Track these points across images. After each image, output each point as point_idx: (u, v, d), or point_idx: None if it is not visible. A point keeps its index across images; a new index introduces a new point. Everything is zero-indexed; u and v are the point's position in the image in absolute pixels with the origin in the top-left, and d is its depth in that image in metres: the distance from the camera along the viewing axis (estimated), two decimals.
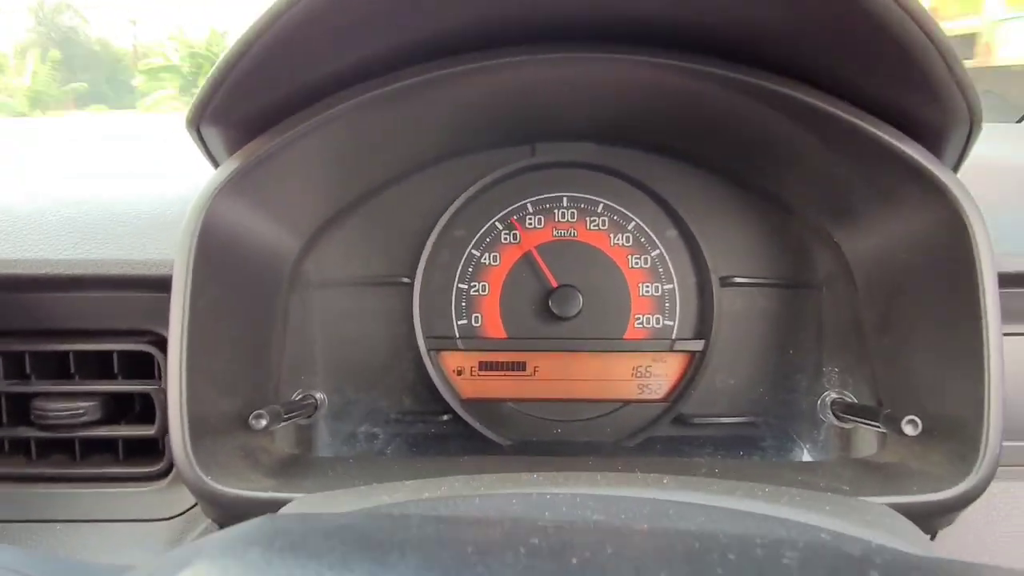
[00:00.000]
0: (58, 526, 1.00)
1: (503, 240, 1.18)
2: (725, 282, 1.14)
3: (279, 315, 1.05)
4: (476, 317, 1.18)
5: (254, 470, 0.89)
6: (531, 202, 1.19)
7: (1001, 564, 0.39)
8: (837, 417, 1.05)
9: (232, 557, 0.39)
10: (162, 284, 0.89)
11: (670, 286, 1.18)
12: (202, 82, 0.79)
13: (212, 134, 0.86)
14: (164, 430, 1.00)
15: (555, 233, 1.18)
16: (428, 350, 1.15)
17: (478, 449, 1.12)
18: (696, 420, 1.15)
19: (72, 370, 1.03)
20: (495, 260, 1.19)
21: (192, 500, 1.00)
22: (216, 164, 0.90)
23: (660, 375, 1.18)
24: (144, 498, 1.02)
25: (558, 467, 0.78)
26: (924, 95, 0.78)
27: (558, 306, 1.15)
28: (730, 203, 1.15)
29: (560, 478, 0.68)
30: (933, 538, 0.88)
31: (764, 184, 1.12)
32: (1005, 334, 0.82)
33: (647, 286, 1.18)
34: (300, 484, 0.85)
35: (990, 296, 0.81)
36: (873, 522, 0.62)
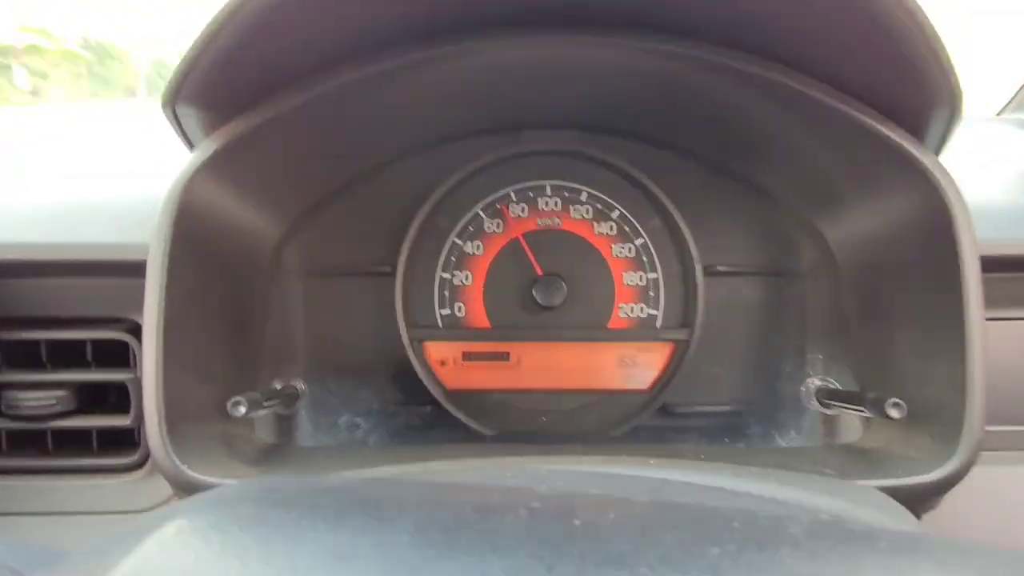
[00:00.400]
0: (31, 519, 0.97)
1: (486, 229, 1.17)
2: (709, 271, 1.14)
3: (258, 303, 1.03)
4: (459, 307, 1.17)
5: (233, 459, 0.88)
6: (514, 190, 1.18)
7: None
8: (821, 403, 1.05)
9: (222, 510, 0.38)
10: (137, 269, 0.87)
11: (654, 275, 1.17)
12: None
13: (188, 115, 0.84)
14: (139, 420, 0.98)
15: (539, 222, 1.17)
16: (411, 340, 1.14)
17: (462, 439, 1.11)
18: (681, 409, 1.14)
19: (44, 359, 1.00)
20: (478, 249, 1.17)
21: (168, 491, 0.98)
22: (192, 146, 0.88)
23: (645, 364, 1.17)
24: (119, 489, 0.99)
25: (544, 454, 0.77)
26: (906, 77, 0.79)
27: (542, 295, 1.14)
28: (714, 192, 1.15)
29: (548, 461, 0.67)
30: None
31: (748, 173, 1.12)
32: (986, 319, 0.83)
33: (631, 275, 1.17)
34: (281, 472, 0.83)
35: (972, 280, 0.81)
36: (863, 502, 0.62)
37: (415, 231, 1.13)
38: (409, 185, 1.14)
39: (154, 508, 0.98)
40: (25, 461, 1.00)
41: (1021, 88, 1.59)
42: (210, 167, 0.85)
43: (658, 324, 1.17)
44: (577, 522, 0.34)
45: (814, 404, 1.07)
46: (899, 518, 0.64)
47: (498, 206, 1.17)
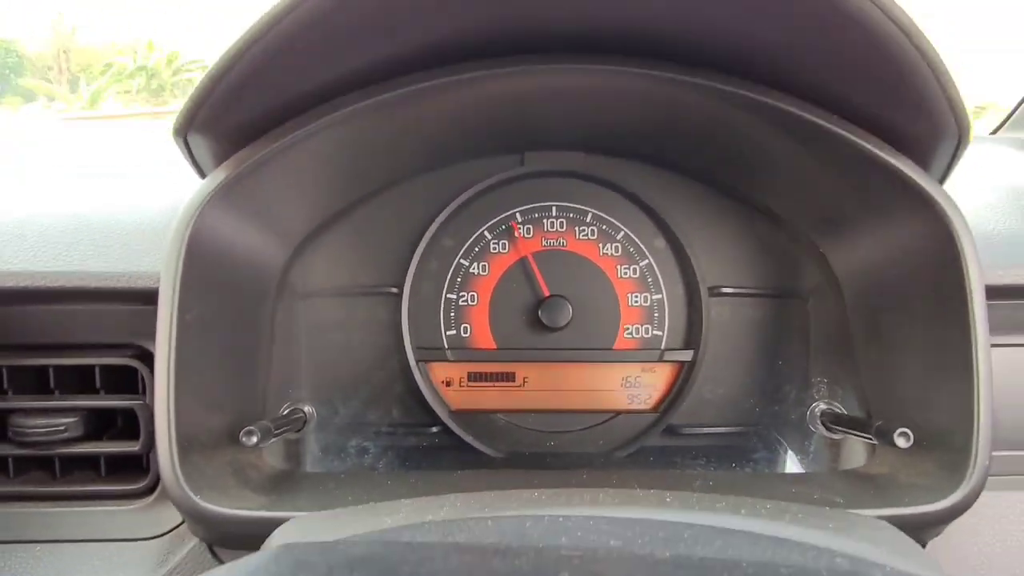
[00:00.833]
0: (38, 547, 0.97)
1: (492, 250, 1.18)
2: (714, 292, 1.15)
3: (267, 327, 1.03)
4: (465, 327, 1.18)
5: (244, 487, 0.87)
6: (520, 211, 1.18)
7: (988, 572, 0.39)
8: (827, 428, 1.06)
9: None
10: (146, 297, 0.87)
11: (659, 296, 1.18)
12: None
13: (199, 143, 0.84)
14: (149, 446, 0.98)
15: (544, 243, 1.18)
16: (416, 361, 1.14)
17: (470, 461, 1.11)
18: (686, 430, 1.15)
19: (52, 385, 1.00)
20: (484, 270, 1.18)
21: (178, 518, 0.98)
22: (203, 174, 0.88)
23: (649, 385, 1.18)
24: (128, 517, 0.99)
25: (553, 480, 0.78)
26: (914, 110, 0.79)
27: (548, 316, 1.14)
28: (718, 214, 1.16)
29: (562, 496, 0.67)
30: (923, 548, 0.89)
31: (752, 195, 1.13)
32: (991, 345, 0.83)
33: (636, 296, 1.18)
34: (293, 502, 0.83)
35: (978, 307, 0.82)
36: (876, 539, 0.62)
37: (421, 252, 1.14)
38: (415, 206, 1.14)
39: (162, 536, 0.98)
40: (32, 487, 1.00)
41: (1017, 108, 1.60)
42: (220, 195, 0.85)
43: (663, 345, 1.17)
44: None
45: (819, 428, 1.07)
46: (908, 551, 0.65)
47: (504, 227, 1.18)
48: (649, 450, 1.15)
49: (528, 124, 1.08)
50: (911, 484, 0.86)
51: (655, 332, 1.18)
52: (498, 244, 1.18)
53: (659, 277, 1.18)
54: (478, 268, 1.18)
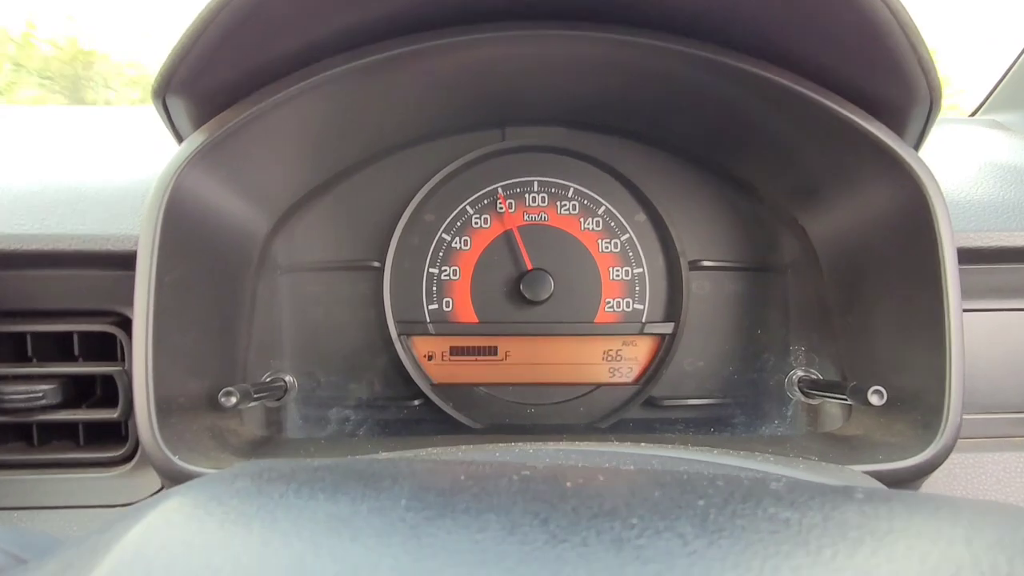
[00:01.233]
0: (17, 513, 0.96)
1: (474, 224, 1.18)
2: (694, 266, 1.16)
3: (247, 296, 1.03)
4: (447, 302, 1.18)
5: (223, 451, 0.88)
6: (502, 186, 1.19)
7: None
8: (804, 393, 1.07)
9: (220, 486, 0.38)
10: (126, 261, 0.87)
11: (640, 270, 1.19)
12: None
13: (178, 106, 0.84)
14: (128, 413, 0.98)
15: (526, 217, 1.19)
16: (399, 335, 1.15)
17: (450, 433, 1.12)
18: (667, 402, 1.16)
19: (30, 352, 0.99)
20: (466, 244, 1.18)
21: (157, 485, 0.98)
22: (181, 139, 0.88)
23: (630, 358, 1.19)
24: (107, 483, 0.99)
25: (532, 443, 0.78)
26: (888, 74, 0.81)
27: (529, 290, 1.15)
28: (698, 188, 1.17)
29: (536, 447, 0.68)
30: None
31: (732, 168, 1.14)
32: (966, 310, 0.85)
33: (617, 270, 1.19)
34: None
35: (950, 269, 0.84)
36: (847, 480, 0.63)
37: (403, 226, 1.14)
38: (397, 181, 1.15)
39: (142, 501, 0.98)
40: (11, 455, 0.99)
41: (994, 90, 1.63)
42: (199, 159, 0.85)
43: (644, 318, 1.18)
44: (568, 484, 0.35)
45: (797, 394, 1.09)
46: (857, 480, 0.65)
47: (486, 202, 1.18)
48: (629, 421, 1.15)
49: (509, 98, 1.09)
50: (884, 443, 0.87)
51: (636, 305, 1.19)
52: (480, 219, 1.18)
53: (640, 251, 1.19)
54: (460, 243, 1.18)
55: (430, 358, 1.18)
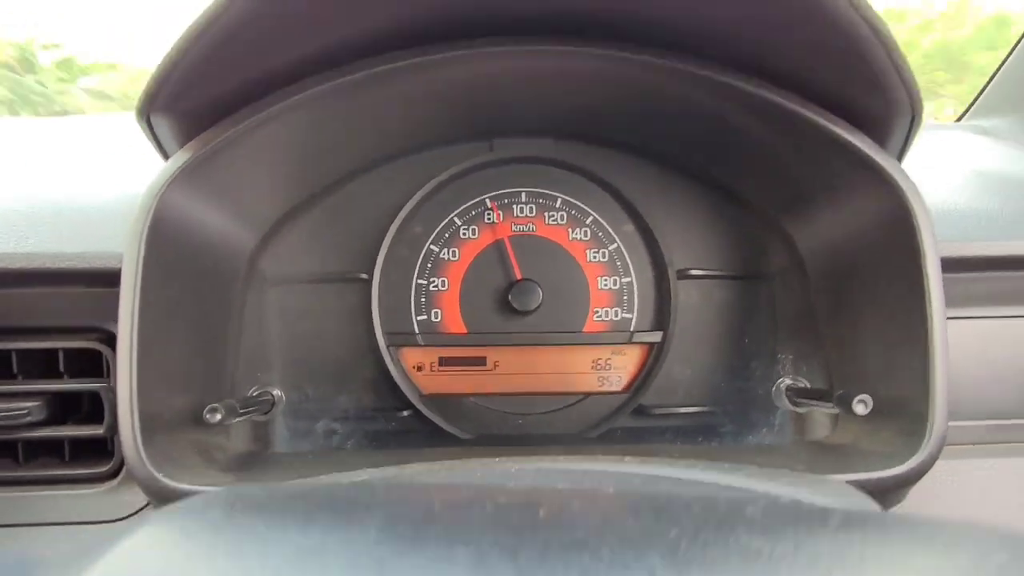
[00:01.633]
0: (2, 531, 0.96)
1: (462, 235, 1.18)
2: (682, 275, 1.16)
3: (234, 311, 1.03)
4: (436, 313, 1.18)
5: (209, 467, 0.87)
6: (490, 197, 1.19)
7: None
8: (792, 402, 1.07)
9: (191, 516, 0.38)
10: (111, 278, 0.86)
11: (628, 279, 1.19)
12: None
13: (163, 124, 0.84)
14: (113, 429, 0.97)
15: (514, 228, 1.19)
16: (387, 346, 1.14)
17: (439, 444, 1.12)
18: (656, 411, 1.16)
19: (15, 369, 0.99)
20: (454, 255, 1.18)
21: (143, 501, 0.97)
22: (166, 156, 0.88)
23: (619, 367, 1.19)
24: (92, 500, 0.98)
25: (520, 455, 0.78)
26: (869, 86, 0.81)
27: (518, 300, 1.15)
28: (686, 197, 1.17)
29: (523, 461, 0.68)
30: None
31: (719, 178, 1.14)
32: (949, 318, 0.85)
33: (606, 279, 1.19)
34: (259, 479, 0.83)
35: (934, 279, 0.84)
36: (830, 494, 0.63)
37: (391, 238, 1.14)
38: (384, 193, 1.15)
39: (127, 518, 0.97)
40: None
41: (980, 96, 1.64)
42: (184, 176, 0.85)
43: (632, 327, 1.18)
44: (541, 512, 0.35)
45: (784, 403, 1.09)
46: (863, 506, 0.66)
47: (474, 213, 1.18)
48: (619, 430, 1.16)
49: (497, 110, 1.09)
50: (871, 451, 0.87)
51: (624, 315, 1.19)
52: (468, 230, 1.19)
53: (628, 261, 1.19)
54: (448, 254, 1.18)
55: (419, 369, 1.18)
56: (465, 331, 1.18)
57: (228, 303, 1.01)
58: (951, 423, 0.84)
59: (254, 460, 0.94)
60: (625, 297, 1.19)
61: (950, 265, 0.91)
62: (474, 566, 0.29)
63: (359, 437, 1.12)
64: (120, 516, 0.98)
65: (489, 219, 1.18)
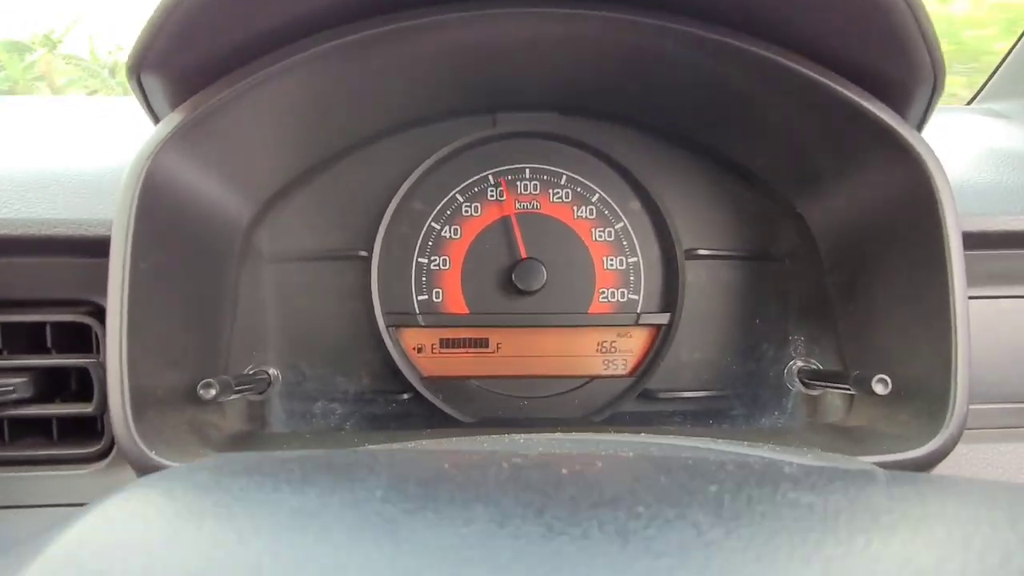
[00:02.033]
0: None
1: (464, 213, 1.15)
2: (690, 255, 1.13)
3: (229, 286, 0.99)
4: (437, 292, 1.15)
5: (203, 446, 0.84)
6: (493, 174, 1.15)
7: None
8: (804, 384, 1.04)
9: (175, 479, 0.35)
10: (100, 247, 0.83)
11: (634, 259, 1.16)
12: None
13: (154, 85, 0.80)
14: (103, 407, 0.94)
15: (517, 205, 1.15)
16: (387, 327, 1.11)
17: (440, 427, 1.08)
18: (663, 395, 1.13)
19: (0, 344, 0.95)
20: (456, 233, 1.15)
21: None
22: (157, 119, 0.85)
23: (625, 350, 1.15)
24: (81, 481, 0.95)
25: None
26: (890, 51, 0.78)
27: (522, 280, 1.12)
28: (694, 175, 1.14)
29: (527, 437, 0.65)
30: None
31: (728, 154, 1.11)
32: (971, 297, 0.82)
33: (611, 259, 1.16)
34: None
35: (956, 253, 0.81)
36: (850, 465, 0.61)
37: (391, 215, 1.11)
38: (385, 168, 1.11)
39: None
40: None
41: (991, 78, 1.61)
42: (176, 140, 0.82)
43: (639, 309, 1.15)
44: (564, 471, 0.32)
45: (797, 385, 1.06)
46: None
47: (476, 189, 1.15)
48: (625, 414, 1.12)
49: (500, 83, 1.05)
50: (888, 434, 0.84)
51: (631, 296, 1.16)
52: (470, 207, 1.15)
53: (634, 240, 1.15)
54: (450, 232, 1.15)
55: (419, 350, 1.14)
56: (467, 312, 1.14)
57: (222, 277, 0.98)
58: (971, 406, 0.81)
59: (249, 439, 0.91)
60: (631, 277, 1.16)
61: (970, 241, 0.88)
62: (497, 524, 0.25)
63: (357, 419, 1.08)
64: None
65: (492, 196, 1.15)
